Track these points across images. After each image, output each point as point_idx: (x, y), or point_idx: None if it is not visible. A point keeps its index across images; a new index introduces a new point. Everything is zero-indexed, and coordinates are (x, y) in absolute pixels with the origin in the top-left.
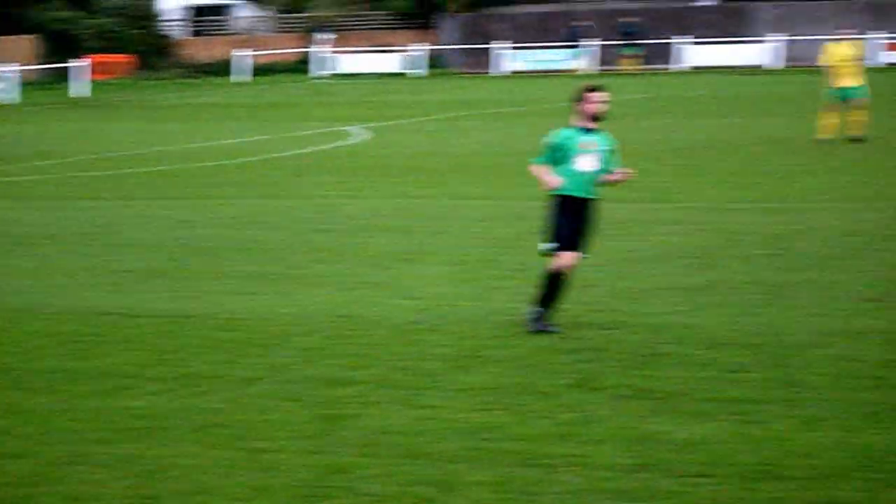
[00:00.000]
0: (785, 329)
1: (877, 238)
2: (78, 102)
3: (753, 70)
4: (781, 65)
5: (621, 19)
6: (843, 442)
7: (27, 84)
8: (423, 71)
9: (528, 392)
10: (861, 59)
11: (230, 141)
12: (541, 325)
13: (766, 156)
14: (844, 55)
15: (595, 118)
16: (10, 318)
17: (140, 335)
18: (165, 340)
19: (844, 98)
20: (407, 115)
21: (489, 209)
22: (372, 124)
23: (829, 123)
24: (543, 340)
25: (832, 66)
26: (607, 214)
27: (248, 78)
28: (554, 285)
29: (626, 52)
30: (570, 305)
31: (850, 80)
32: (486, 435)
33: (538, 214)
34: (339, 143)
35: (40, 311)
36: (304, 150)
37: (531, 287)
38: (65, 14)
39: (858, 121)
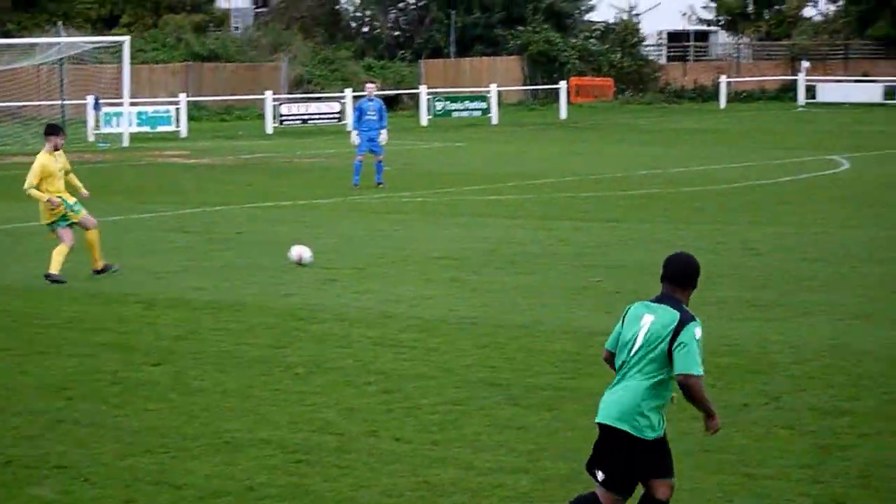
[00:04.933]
0: None
1: None
2: (556, 124)
3: None
4: None
5: None
6: None
7: (509, 105)
8: None
9: None
10: None
11: (715, 166)
12: None
13: None
14: None
15: None
16: (506, 336)
17: None
18: None
19: None
20: (889, 145)
21: None
22: (854, 154)
23: None
24: None
25: None
26: None
27: (724, 104)
28: None
29: None
30: None
31: None
32: None
33: None
34: (823, 171)
35: (534, 328)
36: (792, 178)
37: None
38: (548, 35)
39: None
